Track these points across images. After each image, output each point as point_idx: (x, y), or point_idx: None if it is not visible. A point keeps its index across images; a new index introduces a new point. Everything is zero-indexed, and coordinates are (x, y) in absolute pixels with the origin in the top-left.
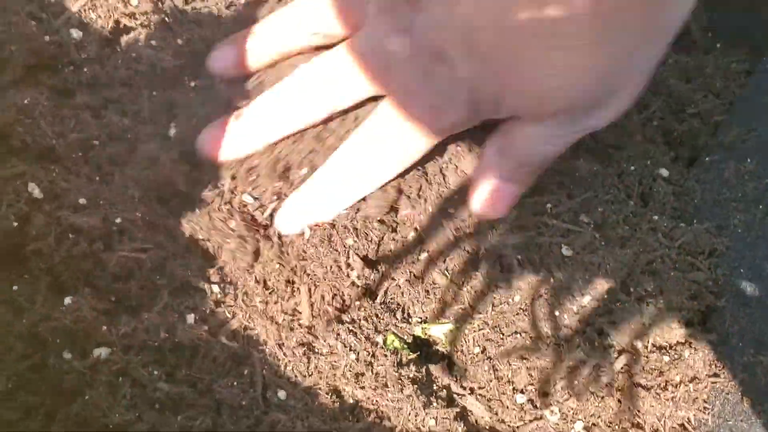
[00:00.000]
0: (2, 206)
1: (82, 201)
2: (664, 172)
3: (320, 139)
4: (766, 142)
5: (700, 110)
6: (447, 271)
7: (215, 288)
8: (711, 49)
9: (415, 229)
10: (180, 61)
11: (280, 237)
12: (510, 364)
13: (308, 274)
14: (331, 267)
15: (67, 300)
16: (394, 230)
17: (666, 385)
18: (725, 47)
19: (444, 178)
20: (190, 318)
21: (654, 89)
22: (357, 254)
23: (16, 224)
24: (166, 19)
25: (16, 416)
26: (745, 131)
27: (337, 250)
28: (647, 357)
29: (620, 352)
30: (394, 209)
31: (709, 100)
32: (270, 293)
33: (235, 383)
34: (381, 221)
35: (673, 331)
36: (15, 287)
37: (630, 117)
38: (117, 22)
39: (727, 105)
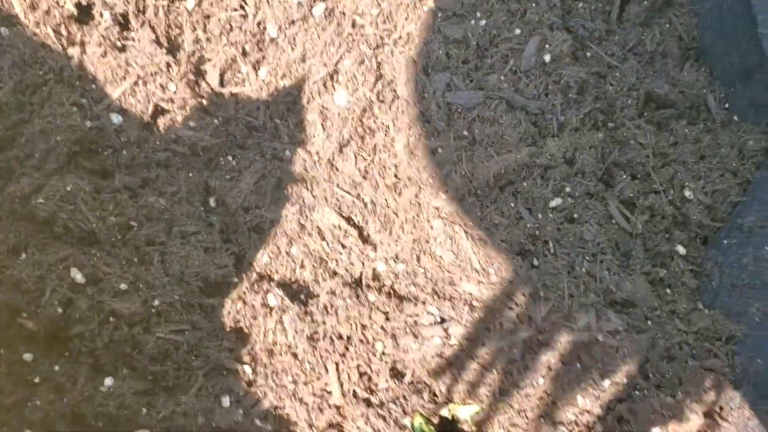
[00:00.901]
0: (47, 292)
1: (122, 286)
2: (681, 250)
3: None
4: None
5: (716, 189)
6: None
7: (247, 369)
8: (727, 122)
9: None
10: (218, 140)
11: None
12: None
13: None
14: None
15: (108, 381)
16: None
17: None
18: (742, 122)
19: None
20: (226, 401)
21: (668, 164)
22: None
23: (60, 310)
24: (203, 101)
25: None
26: (763, 217)
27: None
28: None
29: None
30: None
31: (725, 180)
32: (300, 370)
33: None
34: None
35: (691, 422)
36: (56, 367)
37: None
38: (156, 106)
39: (744, 185)
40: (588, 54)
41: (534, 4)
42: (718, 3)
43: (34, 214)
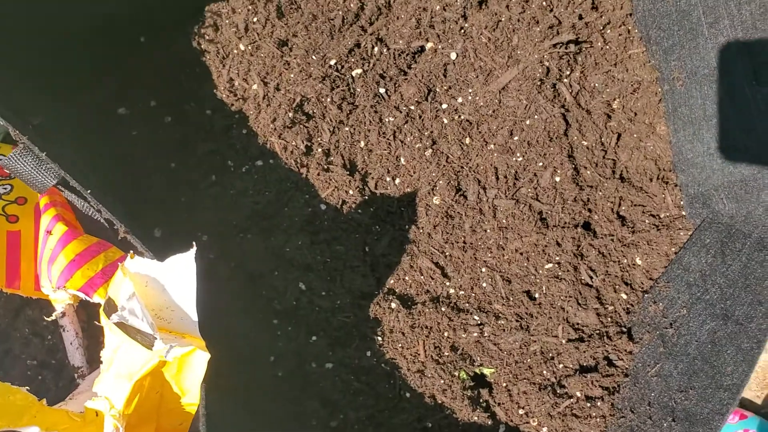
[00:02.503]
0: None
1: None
2: None
3: None
4: None
5: None
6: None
7: (378, 338)
8: None
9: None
10: (369, 219)
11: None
12: (521, 391)
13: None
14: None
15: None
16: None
17: None
18: None
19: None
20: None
21: None
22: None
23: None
24: (366, 198)
25: None
26: None
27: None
28: None
29: None
30: None
31: None
32: (403, 341)
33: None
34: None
35: None
36: None
37: None
38: (342, 201)
39: None
40: None
41: None
42: None
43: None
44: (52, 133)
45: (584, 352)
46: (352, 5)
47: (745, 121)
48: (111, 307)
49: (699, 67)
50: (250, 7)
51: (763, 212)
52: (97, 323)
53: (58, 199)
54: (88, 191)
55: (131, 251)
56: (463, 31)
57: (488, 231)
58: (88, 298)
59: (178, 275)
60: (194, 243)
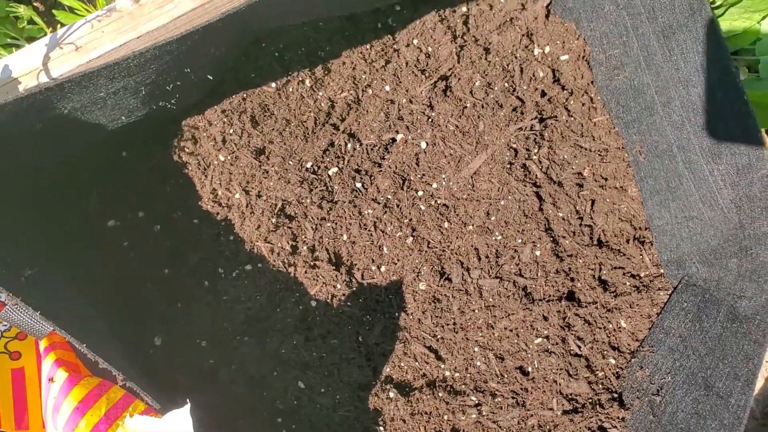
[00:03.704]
0: None
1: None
2: None
3: None
4: None
5: None
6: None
7: (381, 429)
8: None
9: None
10: (359, 310)
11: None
12: None
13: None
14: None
15: None
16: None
17: None
18: None
19: None
20: None
21: None
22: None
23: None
24: (354, 289)
25: None
26: None
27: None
28: None
29: None
30: None
31: None
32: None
33: None
34: None
35: None
36: None
37: None
38: (331, 295)
39: None
40: None
41: None
42: None
43: None
44: (46, 281)
45: (579, 423)
46: (322, 104)
47: (706, 196)
48: None
49: (658, 142)
50: (225, 120)
51: (732, 280)
52: None
53: (58, 339)
54: (84, 345)
55: (131, 408)
56: (430, 120)
57: (476, 311)
58: None
59: (176, 430)
60: (188, 400)
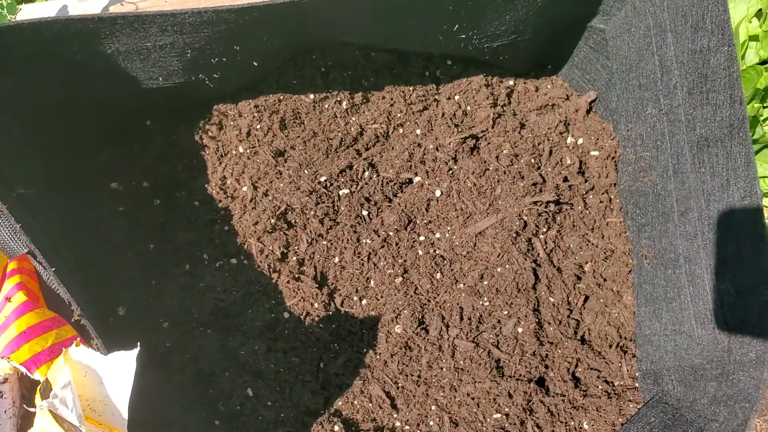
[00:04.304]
0: None
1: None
2: None
3: None
4: None
5: None
6: None
7: None
8: None
9: None
10: (331, 336)
11: None
12: None
13: None
14: None
15: None
16: None
17: None
18: None
19: None
20: None
21: None
22: None
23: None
24: (330, 314)
25: None
26: None
27: None
28: None
29: None
30: None
31: None
32: None
33: None
34: None
35: None
36: None
37: None
38: (306, 312)
39: None
40: None
41: None
42: None
43: None
44: (36, 203)
45: None
46: (352, 129)
47: (701, 313)
48: (47, 389)
49: (666, 251)
50: (255, 114)
51: (707, 403)
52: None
53: (26, 266)
54: (53, 269)
55: (78, 338)
56: (451, 172)
57: (444, 369)
58: (29, 374)
59: (118, 371)
60: (138, 344)
